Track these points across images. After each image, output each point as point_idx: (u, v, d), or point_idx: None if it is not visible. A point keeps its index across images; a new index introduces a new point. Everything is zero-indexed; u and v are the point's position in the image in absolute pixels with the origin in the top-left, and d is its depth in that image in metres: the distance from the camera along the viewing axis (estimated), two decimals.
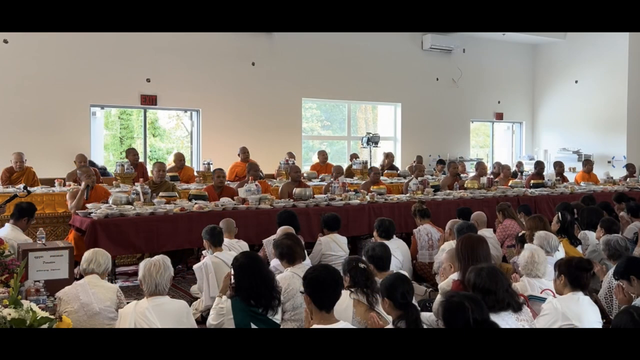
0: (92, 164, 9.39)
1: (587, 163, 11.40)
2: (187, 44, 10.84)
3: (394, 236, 6.05)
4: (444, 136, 14.03)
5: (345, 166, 10.63)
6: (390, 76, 13.20)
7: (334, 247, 6.02)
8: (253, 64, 11.62)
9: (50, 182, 8.14)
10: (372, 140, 12.09)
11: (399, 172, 11.13)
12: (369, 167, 10.05)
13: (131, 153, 9.27)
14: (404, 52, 13.34)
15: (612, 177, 10.98)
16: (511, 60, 14.96)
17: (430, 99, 13.76)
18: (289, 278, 4.38)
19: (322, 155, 11.05)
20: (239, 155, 9.95)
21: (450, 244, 5.33)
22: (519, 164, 12.86)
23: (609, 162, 13.60)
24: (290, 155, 10.49)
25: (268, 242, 5.87)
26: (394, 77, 13.25)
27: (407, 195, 8.34)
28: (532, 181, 9.86)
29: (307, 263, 4.78)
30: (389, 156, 11.73)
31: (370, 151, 12.18)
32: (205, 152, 11.17)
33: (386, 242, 5.27)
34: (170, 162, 10.06)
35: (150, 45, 10.53)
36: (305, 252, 5.01)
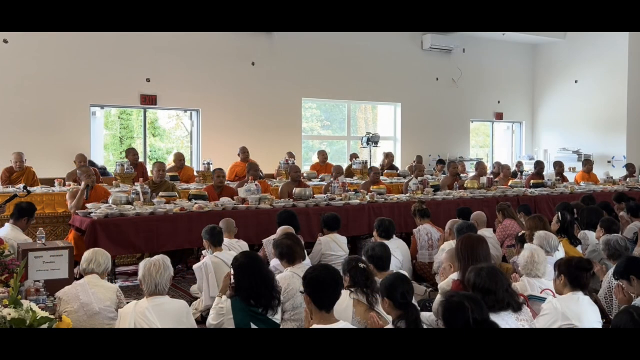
0: (92, 164, 9.39)
1: (587, 163, 11.40)
2: (187, 44, 10.84)
3: (394, 236, 6.05)
4: (444, 136, 14.03)
5: (345, 166, 10.62)
6: (390, 76, 13.19)
7: (334, 247, 6.02)
8: (253, 64, 11.62)
9: (50, 182, 8.14)
10: (372, 140, 12.09)
11: (399, 172, 11.13)
12: (369, 167, 10.05)
13: (131, 153, 9.27)
14: (404, 52, 13.34)
15: (612, 177, 10.97)
16: (511, 60, 14.96)
17: (430, 99, 13.76)
18: (289, 278, 4.38)
19: (322, 155, 11.05)
20: (239, 155, 9.95)
21: (450, 244, 5.33)
22: (519, 164, 12.85)
23: (609, 162, 13.59)
24: (290, 155, 10.49)
25: (268, 242, 5.86)
26: (394, 77, 13.24)
27: (407, 195, 8.34)
28: (532, 181, 9.85)
29: (307, 263, 4.78)
30: (389, 156, 11.73)
31: (370, 151, 12.17)
32: (205, 152, 11.17)
33: (386, 242, 5.27)
34: (170, 162, 10.06)
35: (150, 45, 10.53)
36: (305, 252, 5.01)
